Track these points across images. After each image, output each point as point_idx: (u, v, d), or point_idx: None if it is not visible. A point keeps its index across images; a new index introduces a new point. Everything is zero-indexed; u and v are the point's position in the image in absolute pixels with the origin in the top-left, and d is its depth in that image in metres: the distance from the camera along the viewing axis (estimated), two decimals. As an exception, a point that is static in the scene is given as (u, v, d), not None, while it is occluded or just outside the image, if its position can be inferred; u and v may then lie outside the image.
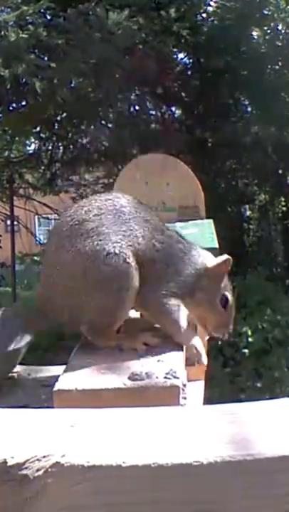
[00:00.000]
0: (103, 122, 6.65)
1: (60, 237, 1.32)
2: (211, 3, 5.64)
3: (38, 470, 0.74)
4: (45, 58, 4.64)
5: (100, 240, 1.27)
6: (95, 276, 1.26)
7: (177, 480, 0.73)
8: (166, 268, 1.34)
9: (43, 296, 1.36)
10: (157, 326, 1.42)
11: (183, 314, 1.35)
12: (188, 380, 1.25)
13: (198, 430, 0.82)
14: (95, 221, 1.29)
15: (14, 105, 5.49)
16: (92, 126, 6.35)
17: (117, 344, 1.31)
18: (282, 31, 5.32)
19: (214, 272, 1.39)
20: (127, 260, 1.27)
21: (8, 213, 7.46)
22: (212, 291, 1.39)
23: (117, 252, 1.26)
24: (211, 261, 1.40)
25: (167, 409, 0.94)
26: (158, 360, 1.25)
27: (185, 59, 6.19)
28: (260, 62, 5.37)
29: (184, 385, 1.17)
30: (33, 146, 7.39)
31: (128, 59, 5.23)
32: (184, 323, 1.35)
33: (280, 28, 5.33)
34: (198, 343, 1.35)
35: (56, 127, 6.58)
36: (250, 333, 5.24)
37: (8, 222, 8.23)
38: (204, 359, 1.35)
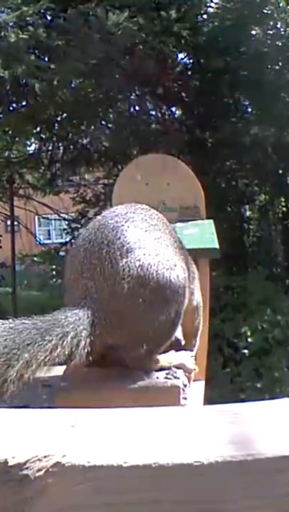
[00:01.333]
0: (103, 122, 6.65)
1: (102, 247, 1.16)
2: (212, 4, 5.65)
3: (38, 470, 0.74)
4: (45, 59, 4.64)
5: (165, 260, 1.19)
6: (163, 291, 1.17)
7: (178, 480, 0.74)
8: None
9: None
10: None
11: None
12: (188, 380, 1.26)
13: (199, 430, 0.82)
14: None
15: (14, 105, 5.49)
16: (92, 126, 6.35)
17: (166, 365, 1.24)
18: (282, 31, 5.32)
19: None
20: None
21: (8, 213, 7.47)
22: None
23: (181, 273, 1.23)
24: None
25: (168, 409, 0.94)
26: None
27: (185, 59, 6.19)
28: (260, 62, 5.37)
29: (185, 386, 1.17)
30: (33, 147, 7.39)
31: (128, 59, 5.22)
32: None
33: (280, 28, 5.33)
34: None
35: (56, 127, 6.58)
36: (250, 333, 5.24)
37: (8, 222, 8.24)
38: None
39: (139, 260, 1.14)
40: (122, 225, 1.19)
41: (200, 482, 0.74)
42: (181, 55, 6.06)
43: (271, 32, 5.32)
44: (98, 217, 1.29)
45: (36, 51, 4.62)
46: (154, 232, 1.22)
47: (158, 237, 1.22)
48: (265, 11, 5.22)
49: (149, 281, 1.14)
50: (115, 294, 1.13)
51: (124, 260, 1.14)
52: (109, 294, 1.13)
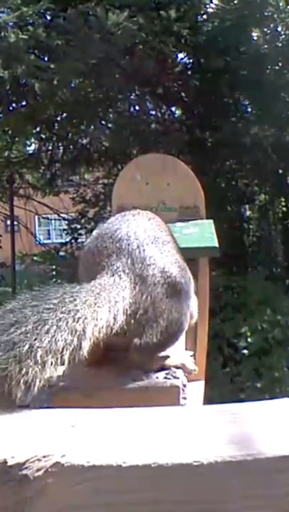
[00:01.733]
0: (103, 122, 6.65)
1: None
2: (212, 5, 5.64)
3: (38, 470, 0.74)
4: (45, 59, 4.63)
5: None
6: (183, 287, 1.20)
7: (178, 480, 0.74)
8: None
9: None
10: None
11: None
12: (189, 380, 1.25)
13: (199, 430, 0.82)
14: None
15: (14, 105, 5.49)
16: (92, 126, 6.35)
17: (166, 364, 1.23)
18: (282, 32, 5.32)
19: None
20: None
21: (8, 213, 7.47)
22: None
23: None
24: None
25: (167, 409, 0.94)
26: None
27: (185, 59, 6.18)
28: (260, 62, 5.37)
29: (184, 385, 1.17)
30: (33, 146, 7.39)
31: (128, 59, 5.22)
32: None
33: (279, 28, 5.33)
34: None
35: (56, 127, 6.58)
36: (249, 333, 5.24)
37: (8, 222, 8.25)
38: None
39: (162, 253, 1.19)
40: (146, 222, 1.25)
41: (200, 482, 0.74)
42: (181, 55, 6.06)
43: (271, 32, 5.32)
44: (116, 215, 1.32)
45: (36, 51, 4.62)
46: (169, 235, 1.29)
47: (173, 240, 1.29)
48: (265, 12, 5.22)
49: (169, 275, 1.18)
50: (142, 276, 1.15)
51: (151, 248, 1.18)
52: (135, 275, 1.15)
